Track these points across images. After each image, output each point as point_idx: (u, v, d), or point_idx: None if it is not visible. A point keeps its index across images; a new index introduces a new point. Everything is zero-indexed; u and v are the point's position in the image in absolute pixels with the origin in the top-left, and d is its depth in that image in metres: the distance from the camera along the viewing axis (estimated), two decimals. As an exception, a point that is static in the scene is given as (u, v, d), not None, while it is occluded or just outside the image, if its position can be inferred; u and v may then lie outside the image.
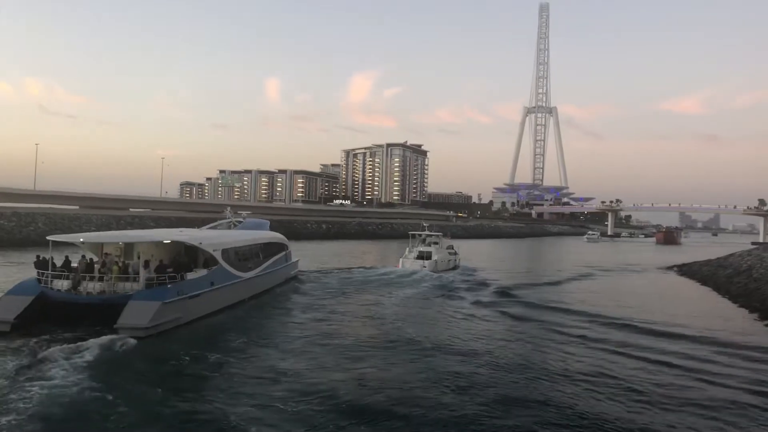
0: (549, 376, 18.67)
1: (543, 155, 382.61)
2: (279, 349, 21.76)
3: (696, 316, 31.96)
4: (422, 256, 50.94)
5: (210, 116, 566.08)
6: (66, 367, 17.50)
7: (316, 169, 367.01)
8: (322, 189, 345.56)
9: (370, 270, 51.03)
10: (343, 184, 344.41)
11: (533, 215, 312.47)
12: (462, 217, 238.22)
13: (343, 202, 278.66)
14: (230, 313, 28.00)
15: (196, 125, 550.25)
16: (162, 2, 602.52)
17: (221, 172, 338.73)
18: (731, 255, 63.57)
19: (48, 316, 23.30)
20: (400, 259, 52.14)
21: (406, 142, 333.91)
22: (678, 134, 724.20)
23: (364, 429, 14.13)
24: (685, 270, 62.49)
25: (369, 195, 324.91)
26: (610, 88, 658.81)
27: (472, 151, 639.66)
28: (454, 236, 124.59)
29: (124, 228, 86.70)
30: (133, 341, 20.87)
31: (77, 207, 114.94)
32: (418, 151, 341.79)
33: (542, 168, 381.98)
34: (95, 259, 27.56)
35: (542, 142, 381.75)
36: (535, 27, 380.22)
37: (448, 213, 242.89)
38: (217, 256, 28.93)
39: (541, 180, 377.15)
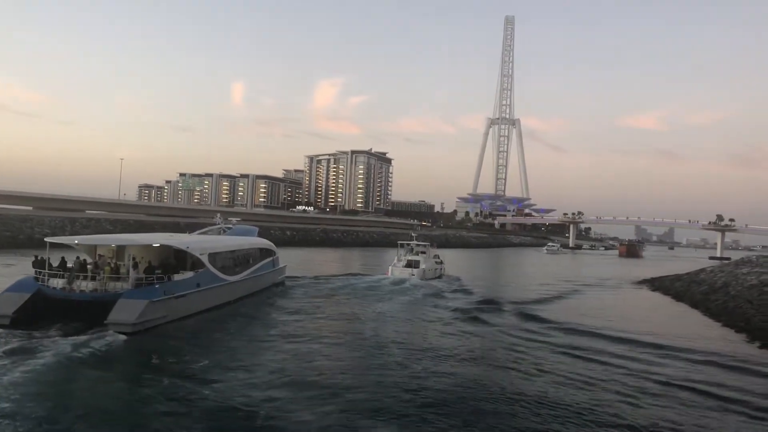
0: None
1: (506, 166, 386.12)
2: (256, 347, 23.51)
3: (685, 337, 30.77)
4: (411, 265, 53.20)
5: (172, 118, 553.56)
6: (57, 358, 19.27)
7: (279, 174, 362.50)
8: (284, 195, 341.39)
9: (359, 277, 52.08)
10: (306, 190, 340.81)
11: (496, 226, 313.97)
12: (426, 226, 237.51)
13: (306, 208, 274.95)
14: (216, 314, 29.78)
15: (157, 127, 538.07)
16: (125, 2, 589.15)
17: (181, 175, 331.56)
18: (702, 270, 63.56)
19: (44, 311, 24.98)
20: (390, 267, 53.97)
21: (371, 149, 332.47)
22: (636, 150, 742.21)
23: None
24: (657, 285, 61.95)
25: (332, 202, 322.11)
26: (571, 103, 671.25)
27: (436, 161, 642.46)
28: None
29: (80, 230, 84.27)
30: (121, 336, 22.62)
31: (31, 208, 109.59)
32: (383, 159, 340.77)
33: (505, 179, 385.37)
34: (89, 260, 28.98)
35: (505, 154, 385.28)
36: (500, 39, 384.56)
37: (411, 222, 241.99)
38: (204, 259, 30.68)
39: (504, 191, 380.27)
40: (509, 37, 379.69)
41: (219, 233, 41.81)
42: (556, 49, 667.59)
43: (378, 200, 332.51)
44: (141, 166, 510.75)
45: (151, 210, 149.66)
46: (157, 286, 26.05)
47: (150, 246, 30.40)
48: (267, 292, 39.39)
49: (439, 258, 60.22)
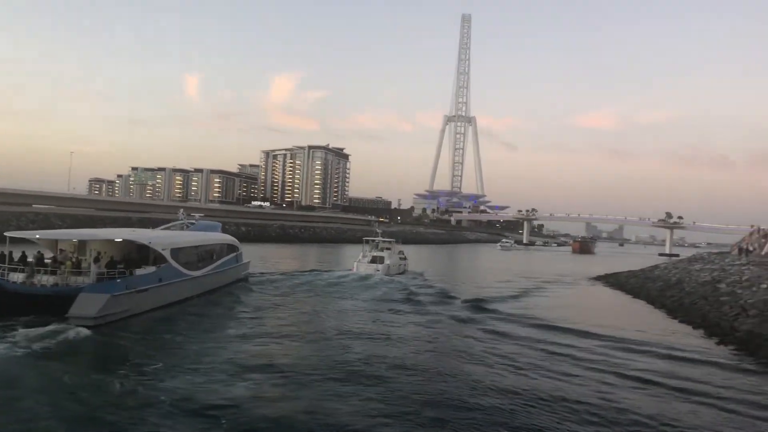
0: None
1: (462, 164, 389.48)
2: (215, 340, 23.76)
3: (644, 332, 31.01)
4: (376, 261, 54.15)
5: (124, 111, 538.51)
6: (15, 351, 19.34)
7: (234, 169, 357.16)
8: (240, 190, 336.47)
9: (324, 273, 52.22)
10: (262, 186, 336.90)
11: (452, 222, 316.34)
12: (384, 222, 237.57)
13: (262, 203, 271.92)
14: (178, 308, 30.14)
15: (109, 120, 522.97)
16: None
17: (134, 169, 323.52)
18: (656, 267, 64.84)
19: (4, 306, 24.78)
20: (355, 263, 54.57)
21: (328, 144, 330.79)
22: (587, 148, 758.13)
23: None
24: (612, 281, 62.90)
25: (289, 197, 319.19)
26: (525, 102, 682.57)
27: (393, 157, 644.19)
28: None
29: (26, 225, 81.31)
30: (84, 330, 22.68)
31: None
32: (340, 155, 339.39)
33: (461, 176, 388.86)
34: (50, 254, 29.44)
35: (461, 151, 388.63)
36: (457, 37, 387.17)
37: (369, 218, 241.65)
38: (166, 254, 30.90)
39: (460, 187, 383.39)
40: (466, 35, 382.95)
41: (182, 228, 41.74)
42: (510, 46, 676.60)
43: (335, 196, 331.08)
44: (92, 159, 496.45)
45: (101, 205, 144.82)
46: (118, 280, 26.30)
47: (112, 241, 30.66)
48: (230, 288, 39.60)
49: (403, 254, 61.15)
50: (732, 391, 19.63)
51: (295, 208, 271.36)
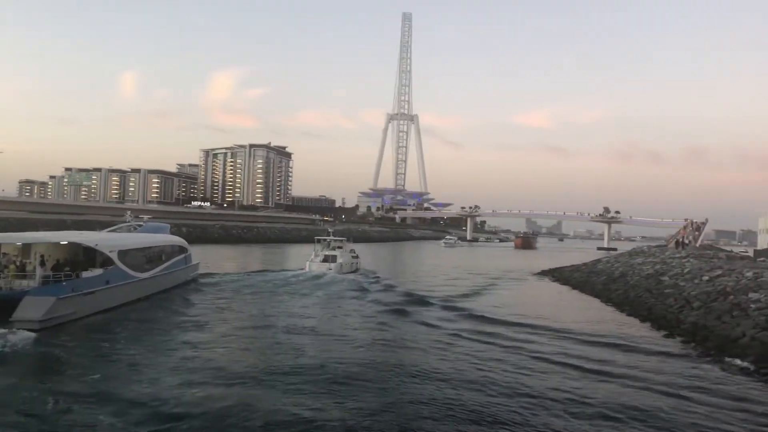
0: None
1: (405, 161, 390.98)
2: (159, 346, 23.02)
3: (593, 326, 31.21)
4: (328, 260, 54.24)
5: (56, 110, 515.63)
6: None
7: (173, 169, 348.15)
8: (179, 190, 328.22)
9: (276, 273, 52.25)
10: (202, 186, 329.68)
11: (397, 220, 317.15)
12: (328, 221, 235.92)
13: (202, 204, 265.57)
14: (125, 311, 29.81)
15: (39, 119, 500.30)
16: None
17: (67, 170, 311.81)
18: (599, 261, 66.28)
19: None
20: (307, 263, 54.30)
21: (270, 143, 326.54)
22: (528, 146, 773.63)
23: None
24: (558, 276, 63.81)
25: (230, 197, 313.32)
26: (467, 101, 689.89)
27: (337, 156, 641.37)
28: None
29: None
30: (28, 333, 22.36)
31: None
32: (283, 153, 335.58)
33: (404, 174, 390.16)
34: None
35: (404, 149, 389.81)
36: (398, 35, 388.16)
37: (313, 217, 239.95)
38: (113, 257, 30.79)
39: (404, 185, 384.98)
40: (407, 33, 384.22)
41: (129, 231, 41.41)
42: (452, 46, 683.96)
43: (278, 195, 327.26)
44: (22, 160, 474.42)
45: (34, 207, 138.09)
46: (64, 283, 26.08)
47: (58, 244, 30.39)
48: (180, 289, 39.50)
49: (355, 253, 61.53)
50: (681, 379, 20.23)
51: (237, 208, 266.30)
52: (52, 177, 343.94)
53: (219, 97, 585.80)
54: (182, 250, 43.30)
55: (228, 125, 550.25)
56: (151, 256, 36.85)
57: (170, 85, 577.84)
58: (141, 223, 43.80)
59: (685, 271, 42.63)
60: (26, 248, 29.97)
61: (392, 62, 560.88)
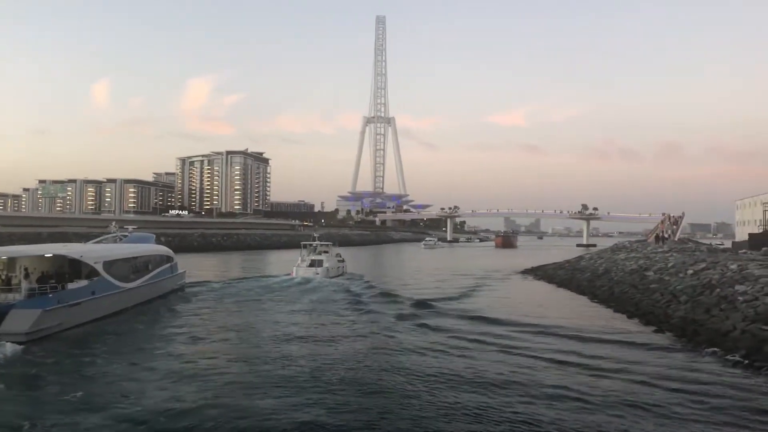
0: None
1: (383, 164, 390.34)
2: (144, 359, 22.41)
3: (582, 323, 31.15)
4: (314, 264, 54.62)
5: (27, 121, 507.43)
6: None
7: (150, 178, 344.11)
8: (156, 199, 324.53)
9: (264, 279, 52.68)
10: (179, 194, 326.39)
11: (377, 222, 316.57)
12: (308, 226, 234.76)
13: (180, 212, 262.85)
14: (113, 321, 30.04)
15: (10, 131, 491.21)
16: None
17: (41, 182, 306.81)
18: (581, 258, 66.46)
19: None
20: (294, 268, 54.81)
21: (247, 149, 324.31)
22: (504, 145, 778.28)
23: None
24: (541, 274, 63.81)
25: (208, 205, 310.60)
26: (443, 102, 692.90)
27: (315, 160, 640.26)
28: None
29: None
30: (16, 346, 22.44)
31: None
32: (260, 159, 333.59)
33: (383, 176, 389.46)
34: None
35: (382, 152, 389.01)
36: (373, 38, 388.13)
37: (293, 222, 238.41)
38: (99, 267, 31.03)
39: (382, 188, 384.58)
40: (381, 36, 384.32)
41: (115, 241, 41.50)
42: (427, 48, 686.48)
43: (257, 201, 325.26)
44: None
45: (7, 221, 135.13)
46: (50, 295, 26.33)
47: (42, 256, 30.41)
48: (167, 298, 39.77)
49: (340, 257, 62.13)
50: (674, 372, 20.45)
51: (215, 215, 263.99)
52: (25, 189, 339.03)
53: (195, 105, 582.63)
54: (168, 259, 43.53)
55: (205, 133, 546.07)
56: (136, 266, 37.00)
57: (145, 93, 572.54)
58: (126, 234, 43.97)
59: (669, 265, 42.87)
60: (11, 262, 29.90)
61: (368, 65, 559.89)
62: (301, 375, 19.86)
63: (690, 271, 38.20)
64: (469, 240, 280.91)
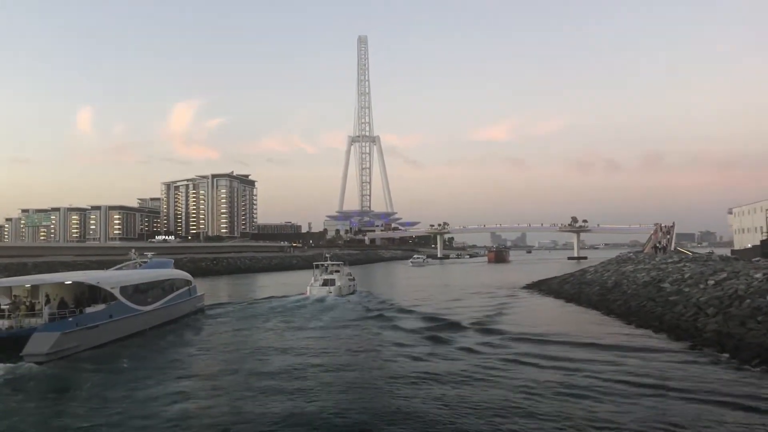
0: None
1: (369, 182, 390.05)
2: (165, 374, 24.00)
3: (612, 339, 29.90)
4: (327, 283, 56.75)
5: (8, 150, 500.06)
6: None
7: (134, 204, 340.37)
8: (141, 225, 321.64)
9: (280, 299, 53.98)
10: (165, 219, 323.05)
11: (366, 241, 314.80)
12: (297, 247, 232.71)
13: (166, 237, 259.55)
14: (130, 342, 31.82)
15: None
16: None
17: (24, 211, 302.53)
18: (586, 271, 65.22)
19: None
20: (308, 287, 56.93)
21: (233, 172, 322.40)
22: (489, 160, 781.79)
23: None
24: (546, 289, 62.59)
25: (194, 229, 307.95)
26: (427, 119, 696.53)
27: (301, 181, 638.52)
28: (294, 267, 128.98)
29: None
30: (35, 366, 24.68)
31: None
32: (246, 182, 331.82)
33: (369, 195, 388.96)
34: (6, 300, 30.68)
35: (368, 170, 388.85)
36: (355, 58, 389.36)
37: (282, 243, 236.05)
38: (115, 292, 33.04)
39: (369, 206, 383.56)
40: (363, 56, 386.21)
41: (135, 267, 43.68)
42: (409, 66, 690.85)
43: (243, 224, 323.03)
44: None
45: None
46: (70, 319, 28.29)
47: (62, 283, 32.39)
48: (186, 320, 41.75)
49: (351, 276, 64.29)
50: (732, 389, 19.57)
51: (202, 239, 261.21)
52: (8, 219, 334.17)
53: (178, 129, 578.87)
54: (186, 282, 45.62)
55: (189, 157, 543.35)
56: (154, 290, 39.00)
57: (128, 119, 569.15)
58: (146, 260, 46.13)
59: (686, 276, 41.71)
60: (35, 289, 32.04)
61: (351, 85, 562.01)
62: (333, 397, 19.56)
63: (711, 282, 37.02)
64: (459, 256, 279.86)
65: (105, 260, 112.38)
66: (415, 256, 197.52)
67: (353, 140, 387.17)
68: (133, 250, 49.52)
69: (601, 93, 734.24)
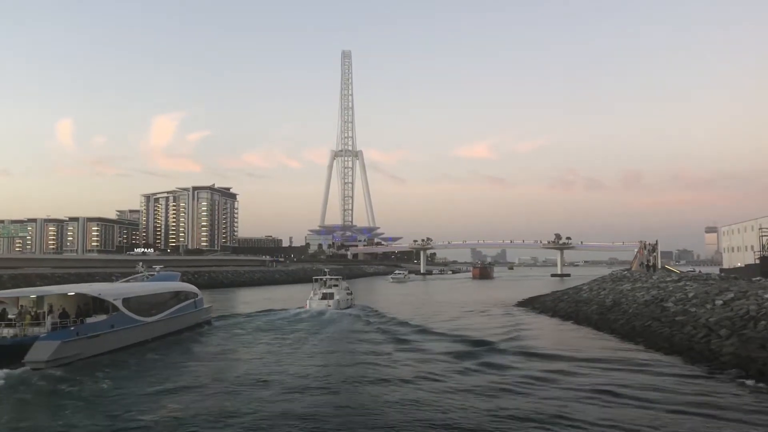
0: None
1: (352, 197, 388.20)
2: (162, 383, 25.30)
3: (629, 363, 28.85)
4: (326, 297, 57.73)
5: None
6: None
7: (113, 216, 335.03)
8: (120, 237, 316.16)
9: (280, 312, 55.32)
10: (144, 232, 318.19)
11: (349, 256, 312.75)
12: (280, 261, 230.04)
13: (145, 250, 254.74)
14: (131, 351, 33.08)
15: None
16: None
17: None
18: (580, 289, 64.24)
19: None
20: (307, 301, 58.04)
21: (214, 185, 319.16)
22: (470, 178, 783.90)
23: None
24: (539, 307, 61.50)
25: (174, 242, 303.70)
26: (410, 135, 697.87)
27: (283, 195, 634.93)
28: (277, 282, 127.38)
29: None
30: (35, 372, 26.33)
31: None
32: (227, 195, 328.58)
33: (351, 210, 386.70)
34: (15, 310, 31.93)
35: (351, 185, 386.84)
36: (339, 73, 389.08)
37: (263, 258, 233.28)
38: (118, 304, 34.29)
39: (351, 221, 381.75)
40: (347, 70, 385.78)
41: (143, 280, 45.56)
42: (392, 82, 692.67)
43: (224, 238, 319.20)
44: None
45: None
46: (72, 328, 29.99)
47: (65, 294, 33.88)
48: (190, 332, 42.80)
49: (349, 290, 65.49)
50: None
51: (182, 252, 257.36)
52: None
53: (160, 142, 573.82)
54: (192, 295, 46.36)
55: (170, 170, 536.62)
56: (157, 302, 40.11)
57: (108, 131, 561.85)
58: (153, 273, 48.28)
59: (690, 295, 40.84)
60: (40, 300, 33.29)
61: (334, 100, 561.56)
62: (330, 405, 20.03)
63: (719, 302, 36.14)
64: (442, 272, 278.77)
65: (83, 272, 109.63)
66: (396, 271, 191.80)
67: (336, 154, 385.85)
68: (141, 263, 51.33)
69: (581, 112, 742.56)
